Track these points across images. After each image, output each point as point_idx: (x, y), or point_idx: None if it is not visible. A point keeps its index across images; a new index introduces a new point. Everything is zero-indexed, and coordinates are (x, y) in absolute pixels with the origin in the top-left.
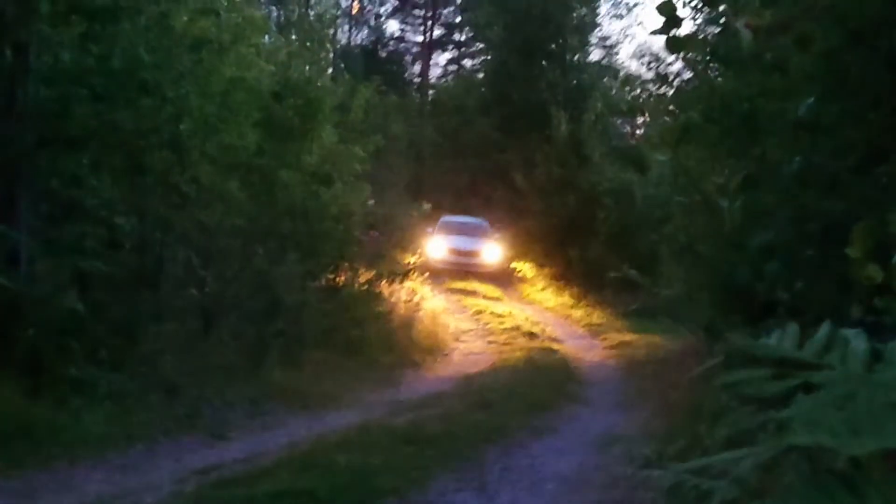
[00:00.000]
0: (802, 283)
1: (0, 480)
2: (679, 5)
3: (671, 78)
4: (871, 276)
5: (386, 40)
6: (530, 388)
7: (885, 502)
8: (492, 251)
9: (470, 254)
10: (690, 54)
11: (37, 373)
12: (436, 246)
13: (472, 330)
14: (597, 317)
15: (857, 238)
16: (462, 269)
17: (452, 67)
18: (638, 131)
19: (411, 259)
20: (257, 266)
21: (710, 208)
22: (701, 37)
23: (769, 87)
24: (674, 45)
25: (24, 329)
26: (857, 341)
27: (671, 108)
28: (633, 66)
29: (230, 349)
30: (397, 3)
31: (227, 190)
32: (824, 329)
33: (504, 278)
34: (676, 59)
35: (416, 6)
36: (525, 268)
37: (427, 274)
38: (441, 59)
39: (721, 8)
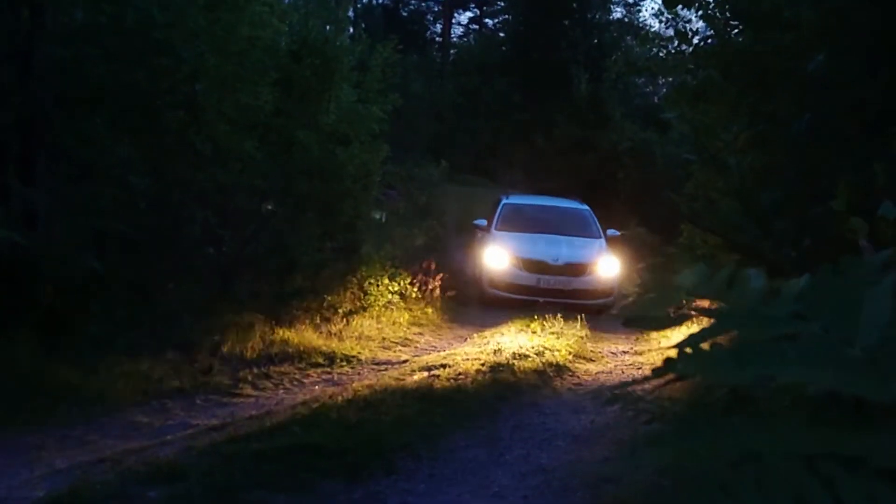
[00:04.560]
0: (810, 240)
1: (17, 436)
2: None
3: (690, 35)
4: (856, 228)
5: None
6: (546, 347)
7: (767, 431)
8: (608, 264)
9: (567, 270)
10: (712, 10)
11: (54, 331)
12: (497, 256)
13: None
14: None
15: (840, 192)
16: (553, 300)
17: (474, 26)
18: (661, 91)
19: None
20: (274, 226)
21: (719, 166)
22: None
23: (783, 44)
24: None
25: (42, 288)
26: (756, 279)
27: (690, 66)
28: (656, 25)
29: (247, 308)
30: None
31: (244, 150)
32: (727, 268)
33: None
34: (698, 17)
35: None
36: None
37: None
38: (462, 17)
39: None
